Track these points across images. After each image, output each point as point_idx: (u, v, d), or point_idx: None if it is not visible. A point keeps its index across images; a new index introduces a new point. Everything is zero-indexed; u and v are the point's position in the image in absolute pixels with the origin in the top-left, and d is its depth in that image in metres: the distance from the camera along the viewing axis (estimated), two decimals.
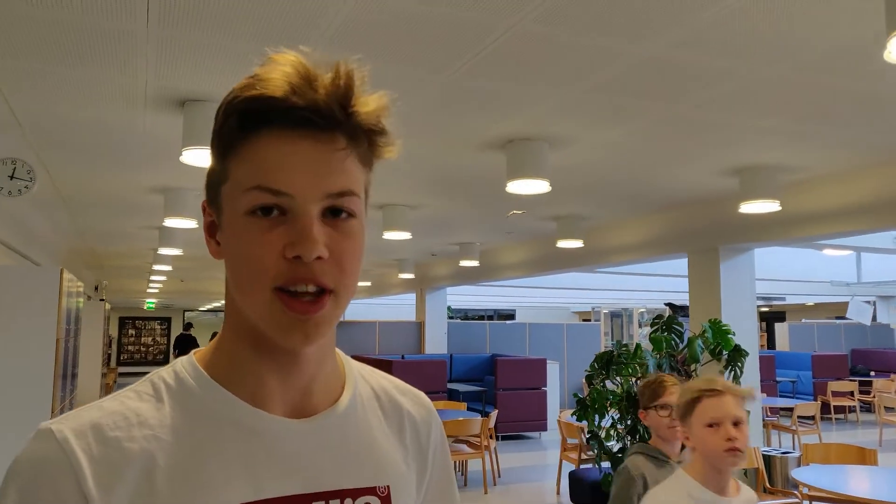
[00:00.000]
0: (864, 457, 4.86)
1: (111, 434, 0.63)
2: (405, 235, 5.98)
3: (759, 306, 20.13)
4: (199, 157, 3.24)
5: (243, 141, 0.64)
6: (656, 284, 12.22)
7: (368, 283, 14.22)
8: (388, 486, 0.72)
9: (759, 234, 5.43)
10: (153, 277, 13.26)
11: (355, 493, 0.70)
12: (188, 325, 16.11)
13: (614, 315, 17.96)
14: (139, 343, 25.10)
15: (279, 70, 0.62)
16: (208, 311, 26.53)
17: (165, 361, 25.96)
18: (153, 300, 21.72)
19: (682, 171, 4.66)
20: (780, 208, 4.61)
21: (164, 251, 7.20)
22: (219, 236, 0.69)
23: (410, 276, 10.77)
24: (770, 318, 21.31)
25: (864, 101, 3.22)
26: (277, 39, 2.49)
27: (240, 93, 0.63)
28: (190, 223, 5.23)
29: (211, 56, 2.65)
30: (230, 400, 0.67)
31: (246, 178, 0.63)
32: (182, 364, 0.71)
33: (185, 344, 15.38)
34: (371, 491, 0.71)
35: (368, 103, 0.65)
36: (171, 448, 0.64)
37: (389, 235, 5.96)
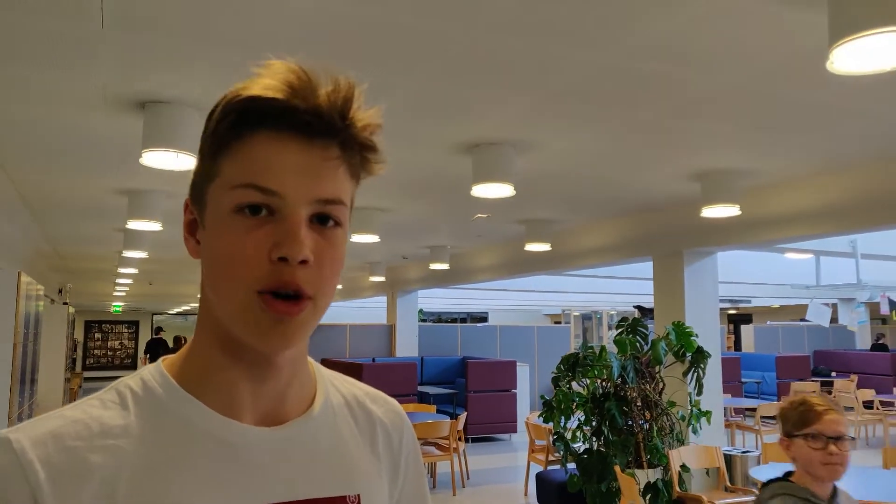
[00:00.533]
0: None
1: (72, 444, 0.61)
2: (373, 238, 5.99)
3: (726, 308, 20.51)
4: (160, 159, 3.22)
5: (237, 140, 0.63)
6: (626, 287, 12.38)
7: (340, 287, 14.14)
8: (358, 495, 0.72)
9: (721, 238, 5.55)
10: (119, 280, 13.04)
11: (326, 501, 0.69)
12: (158, 329, 16.03)
13: (585, 317, 18.13)
14: (106, 347, 24.63)
15: (281, 74, 0.63)
16: (177, 314, 26.14)
17: (133, 366, 25.50)
18: (120, 303, 21.34)
19: (645, 176, 4.74)
20: (739, 212, 4.71)
21: (128, 254, 7.08)
22: (199, 235, 0.68)
23: (381, 279, 10.76)
24: (737, 321, 21.71)
25: (813, 110, 3.31)
26: (237, 44, 2.49)
27: (240, 92, 0.63)
28: (154, 226, 5.16)
29: (170, 59, 2.64)
30: (199, 409, 0.66)
31: (236, 175, 0.63)
32: (149, 371, 0.69)
33: (156, 347, 15.35)
34: (341, 500, 0.70)
35: (365, 118, 0.66)
36: (134, 459, 0.62)
37: (358, 238, 5.95)
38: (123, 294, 16.97)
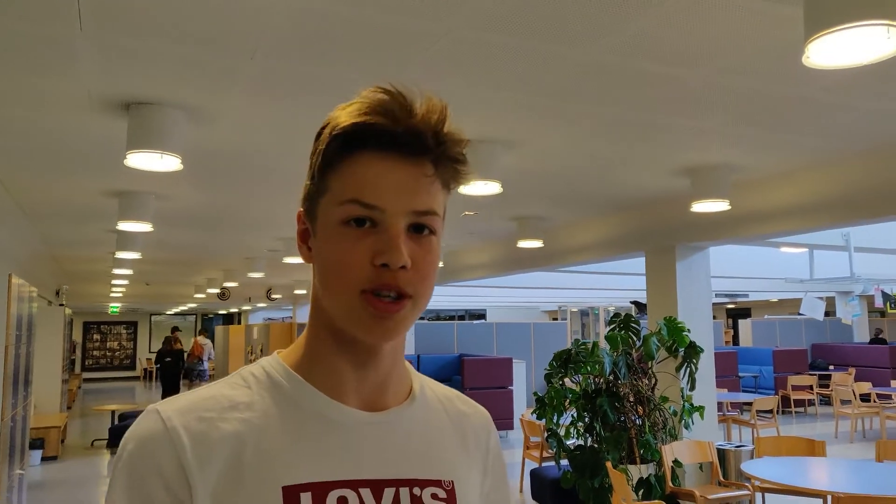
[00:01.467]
0: (812, 449, 5.00)
1: (207, 414, 0.71)
2: None
3: (724, 303, 20.52)
4: (144, 161, 3.21)
5: (343, 160, 0.72)
6: (624, 283, 12.37)
7: None
8: (452, 482, 0.79)
9: (712, 233, 5.55)
10: (115, 281, 13.04)
11: (423, 483, 0.77)
12: (174, 329, 16.65)
13: (583, 314, 18.13)
14: (105, 348, 24.64)
15: (379, 98, 0.71)
16: (175, 314, 26.13)
17: (133, 366, 25.40)
18: (117, 304, 21.33)
19: (635, 172, 4.74)
20: (729, 207, 4.71)
21: (122, 255, 7.09)
22: (311, 242, 0.77)
23: None
24: (736, 315, 21.72)
25: (800, 105, 3.31)
26: (220, 45, 2.49)
27: (343, 117, 0.72)
28: (145, 227, 5.16)
29: (152, 60, 2.63)
30: (312, 392, 0.75)
31: (343, 191, 0.72)
32: (267, 361, 0.79)
33: (167, 343, 15.99)
34: (437, 483, 0.78)
35: (456, 135, 0.74)
36: (258, 430, 0.72)
37: None
38: (120, 295, 17.00)
